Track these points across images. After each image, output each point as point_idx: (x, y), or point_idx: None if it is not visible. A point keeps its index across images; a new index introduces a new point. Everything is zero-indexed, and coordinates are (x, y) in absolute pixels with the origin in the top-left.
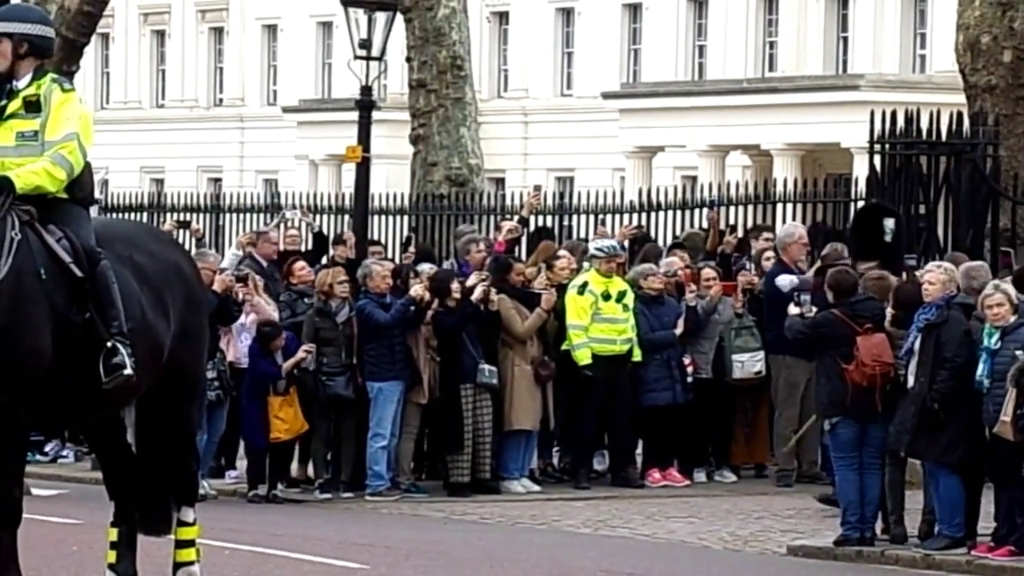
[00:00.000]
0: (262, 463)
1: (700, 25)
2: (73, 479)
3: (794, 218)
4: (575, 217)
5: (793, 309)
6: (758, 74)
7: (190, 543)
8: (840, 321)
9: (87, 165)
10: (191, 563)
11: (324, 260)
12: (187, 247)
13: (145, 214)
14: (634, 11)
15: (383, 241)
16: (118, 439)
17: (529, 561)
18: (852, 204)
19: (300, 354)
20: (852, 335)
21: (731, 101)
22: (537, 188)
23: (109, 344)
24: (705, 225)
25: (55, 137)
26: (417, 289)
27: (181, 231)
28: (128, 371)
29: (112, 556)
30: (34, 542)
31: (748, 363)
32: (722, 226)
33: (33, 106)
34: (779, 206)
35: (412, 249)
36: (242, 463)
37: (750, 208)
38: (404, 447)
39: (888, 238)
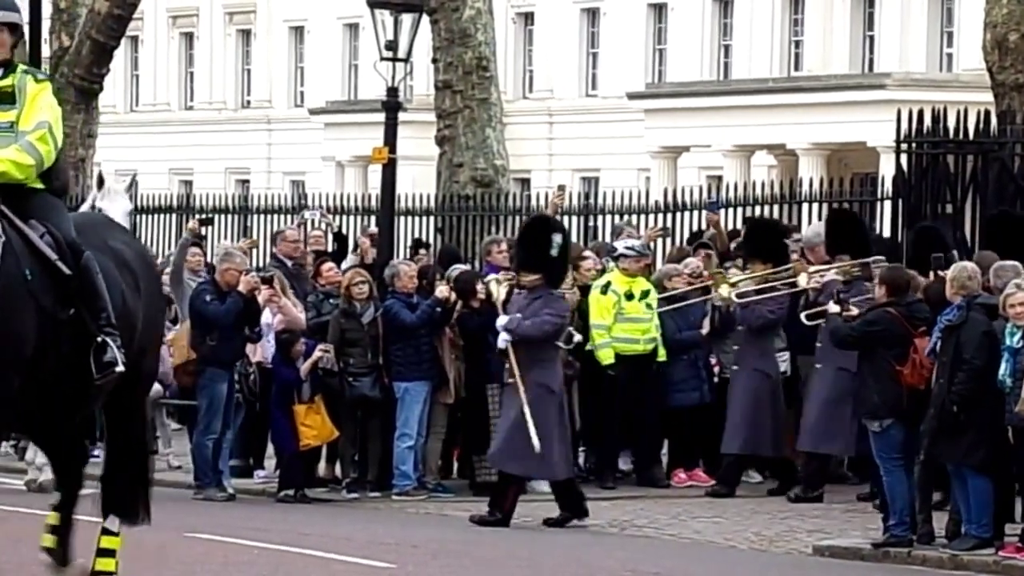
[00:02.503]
0: (294, 468)
1: (725, 25)
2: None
3: (820, 218)
4: (600, 217)
5: (833, 308)
6: (784, 73)
7: (111, 552)
8: (896, 321)
9: (60, 155)
10: (110, 574)
11: (350, 261)
12: (211, 245)
13: (174, 215)
14: (659, 11)
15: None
16: (71, 435)
17: (555, 561)
18: (879, 204)
19: (316, 353)
20: (907, 335)
21: (757, 101)
22: (561, 188)
23: (99, 339)
24: (704, 226)
25: (28, 127)
26: (442, 290)
27: (204, 228)
28: (120, 367)
29: (49, 540)
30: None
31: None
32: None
33: (8, 97)
34: (805, 206)
35: (422, 252)
36: (270, 463)
37: (775, 208)
38: (431, 447)
39: (554, 252)
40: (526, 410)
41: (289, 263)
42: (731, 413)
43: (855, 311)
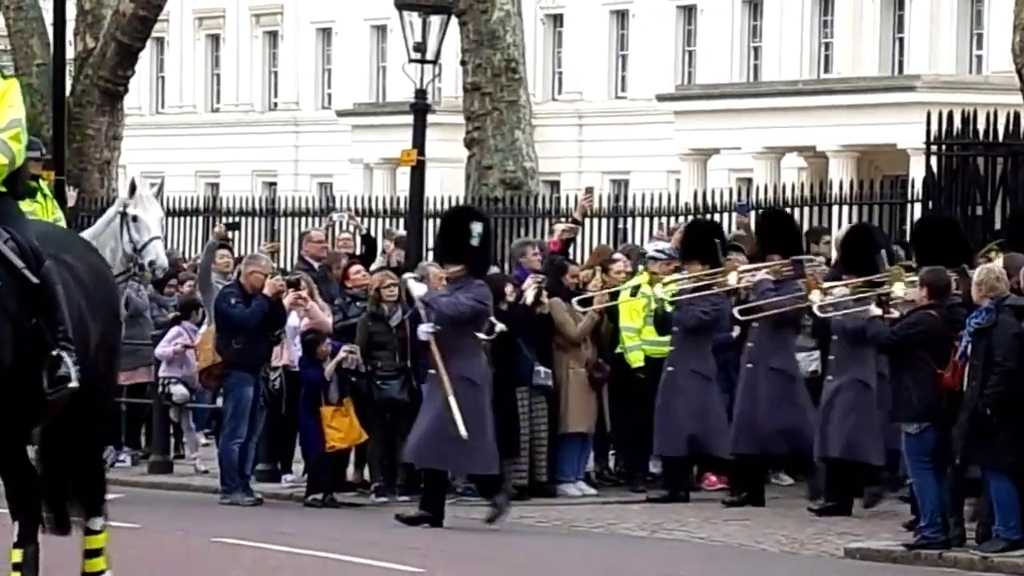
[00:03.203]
0: (322, 471)
1: (755, 27)
2: (130, 483)
3: (850, 220)
4: (630, 220)
5: (875, 311)
6: (813, 75)
7: (98, 552)
8: (937, 323)
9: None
10: (101, 572)
11: (379, 263)
12: (237, 249)
13: (200, 218)
14: (689, 13)
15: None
16: (21, 453)
17: (585, 565)
18: (909, 206)
19: (340, 354)
20: (948, 338)
21: (786, 103)
22: (589, 190)
23: (54, 353)
24: (735, 230)
25: (0, 125)
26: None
27: (232, 233)
28: (74, 383)
29: None
30: None
31: (804, 362)
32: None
33: None
34: (835, 208)
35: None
36: (298, 467)
37: (805, 210)
38: None
39: (475, 242)
40: (452, 401)
41: (316, 265)
42: (673, 415)
43: (896, 313)
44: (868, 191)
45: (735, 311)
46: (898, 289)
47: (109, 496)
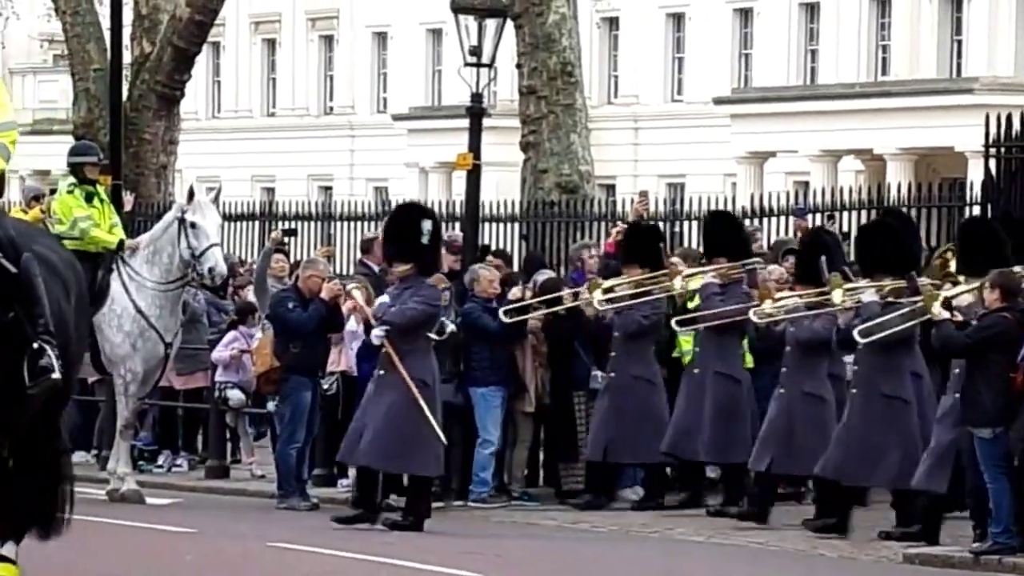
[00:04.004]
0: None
1: (812, 29)
2: (188, 488)
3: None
4: (686, 224)
5: (943, 314)
6: (871, 78)
7: None
8: (1012, 325)
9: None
10: None
11: None
12: (293, 254)
13: (257, 223)
14: (745, 16)
15: (493, 248)
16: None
17: (640, 569)
18: (967, 209)
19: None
20: (1021, 340)
21: (844, 106)
22: (644, 194)
23: (35, 345)
24: (792, 233)
25: None
26: (516, 292)
27: (288, 239)
28: (56, 375)
29: None
30: (150, 551)
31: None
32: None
33: None
34: None
35: (489, 259)
36: (354, 471)
37: (863, 213)
38: (518, 456)
39: (425, 240)
40: (422, 404)
41: (376, 269)
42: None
43: (960, 317)
44: (926, 194)
45: (673, 322)
46: (836, 297)
47: (167, 501)
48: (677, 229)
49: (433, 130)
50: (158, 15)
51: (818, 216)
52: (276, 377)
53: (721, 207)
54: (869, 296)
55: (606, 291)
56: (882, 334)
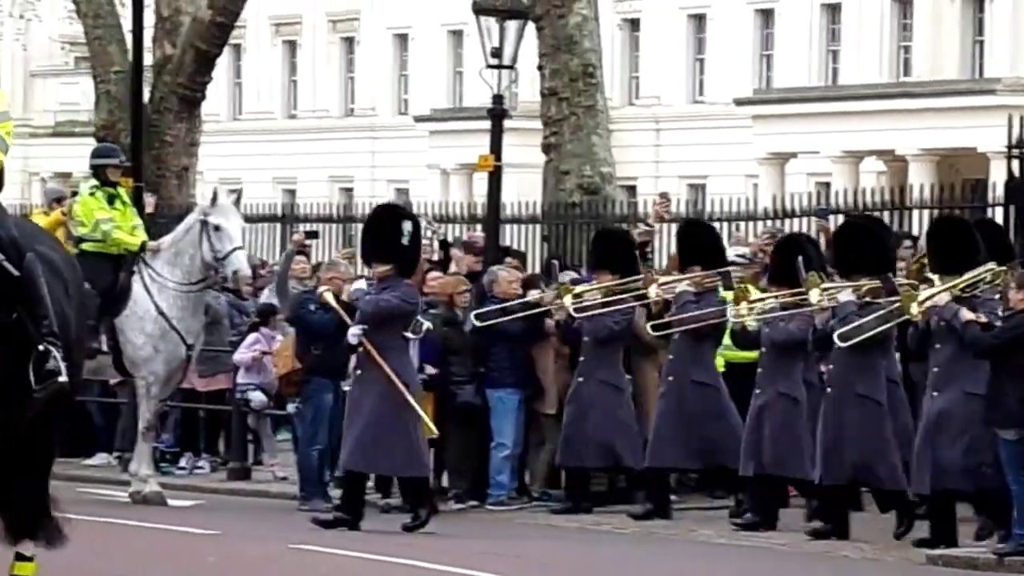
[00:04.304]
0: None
1: (834, 30)
2: (209, 490)
3: (931, 224)
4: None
5: (968, 315)
6: (893, 79)
7: None
8: None
9: None
10: None
11: (452, 269)
12: (315, 256)
13: (278, 225)
14: (767, 16)
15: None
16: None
17: (664, 572)
18: (990, 210)
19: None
20: None
21: (865, 106)
22: (664, 195)
23: (41, 347)
24: (814, 234)
25: None
26: (534, 293)
27: (310, 241)
28: (63, 378)
29: None
30: (172, 553)
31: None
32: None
33: None
34: (915, 213)
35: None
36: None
37: (885, 215)
38: (539, 457)
39: (405, 241)
40: (408, 397)
41: None
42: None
43: (984, 318)
44: (948, 195)
45: (648, 327)
46: (813, 296)
47: (189, 503)
48: None
49: (454, 132)
50: (179, 17)
51: (840, 217)
52: (298, 379)
53: (743, 208)
54: (846, 296)
55: (576, 296)
56: (860, 337)
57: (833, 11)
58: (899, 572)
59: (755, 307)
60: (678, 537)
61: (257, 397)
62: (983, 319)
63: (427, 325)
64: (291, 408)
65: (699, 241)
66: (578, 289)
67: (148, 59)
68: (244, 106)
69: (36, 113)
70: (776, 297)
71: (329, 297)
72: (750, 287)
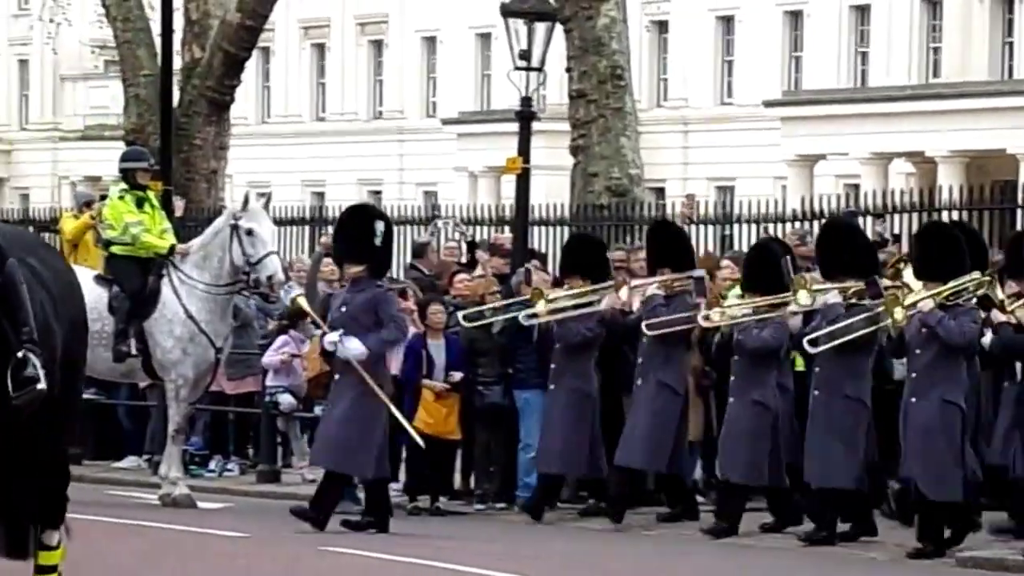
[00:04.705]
0: (419, 471)
1: (862, 32)
2: (239, 492)
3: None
4: (736, 226)
5: (1000, 316)
6: (922, 80)
7: (52, 569)
8: None
9: None
10: None
11: (478, 271)
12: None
13: (307, 227)
14: (795, 18)
15: (544, 252)
16: None
17: (688, 572)
18: (1019, 211)
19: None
20: None
21: (894, 108)
22: (690, 197)
23: (20, 354)
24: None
25: None
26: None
27: None
28: (42, 385)
29: None
30: (203, 555)
31: (902, 367)
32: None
33: None
34: (944, 214)
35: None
36: (402, 475)
37: (914, 216)
38: None
39: (378, 241)
40: (389, 405)
41: (427, 272)
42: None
43: (1013, 320)
44: (977, 197)
45: (643, 325)
46: (802, 298)
47: (219, 506)
48: (727, 232)
49: (482, 134)
50: (208, 20)
51: (868, 219)
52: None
53: (771, 210)
54: (833, 298)
55: (549, 301)
56: (834, 342)
57: (862, 13)
58: (929, 574)
59: (727, 313)
60: (707, 538)
61: (286, 400)
62: (1014, 320)
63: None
64: (319, 411)
65: (669, 243)
66: (551, 294)
67: (177, 63)
68: (272, 109)
69: (66, 117)
70: (749, 304)
71: (302, 301)
72: (722, 293)
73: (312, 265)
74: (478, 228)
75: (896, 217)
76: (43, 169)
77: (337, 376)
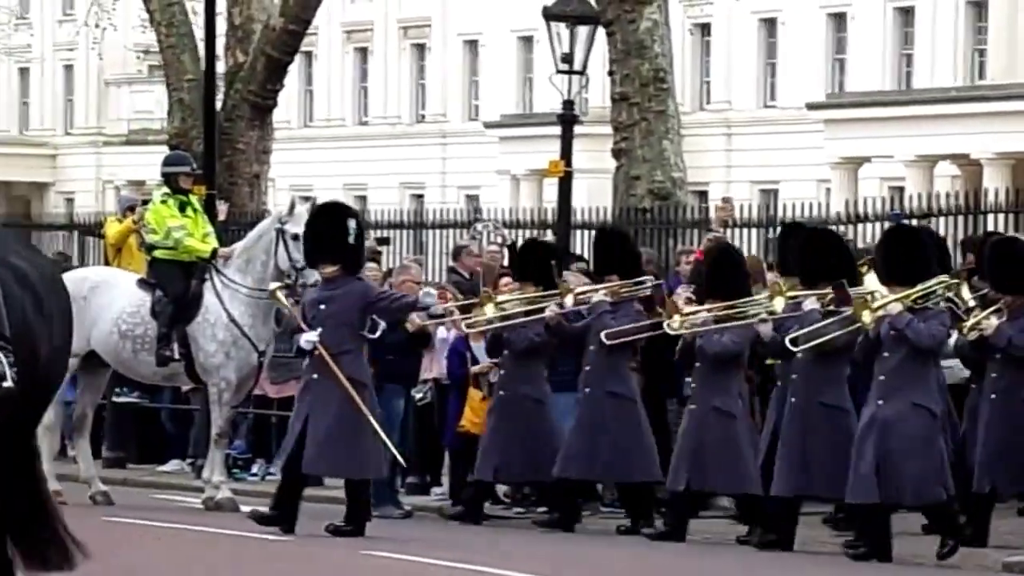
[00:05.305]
0: (463, 474)
1: (907, 33)
2: None
3: (1005, 230)
4: (779, 230)
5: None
6: (967, 82)
7: None
8: None
9: None
10: None
11: None
12: (385, 262)
13: None
14: (839, 20)
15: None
16: None
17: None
18: None
19: (485, 365)
20: None
21: (939, 110)
22: (726, 200)
23: None
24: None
25: None
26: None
27: (382, 248)
28: (8, 383)
29: None
30: (246, 558)
31: (957, 369)
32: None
33: None
34: (990, 217)
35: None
36: (448, 480)
37: (959, 219)
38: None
39: (351, 239)
40: (361, 406)
41: (467, 276)
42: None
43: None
44: (1023, 199)
45: (602, 335)
46: (778, 305)
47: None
48: (771, 235)
49: (525, 137)
50: (251, 25)
51: (913, 222)
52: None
53: (815, 214)
54: (809, 304)
55: (498, 305)
56: (814, 342)
57: (906, 14)
58: None
59: (688, 319)
60: (742, 544)
61: None
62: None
63: (383, 325)
64: None
65: (615, 250)
66: (501, 298)
67: (220, 67)
68: (315, 113)
69: (110, 122)
70: (709, 310)
71: (281, 296)
72: (681, 301)
73: None
74: (520, 232)
75: (941, 220)
76: (87, 173)
77: (315, 376)
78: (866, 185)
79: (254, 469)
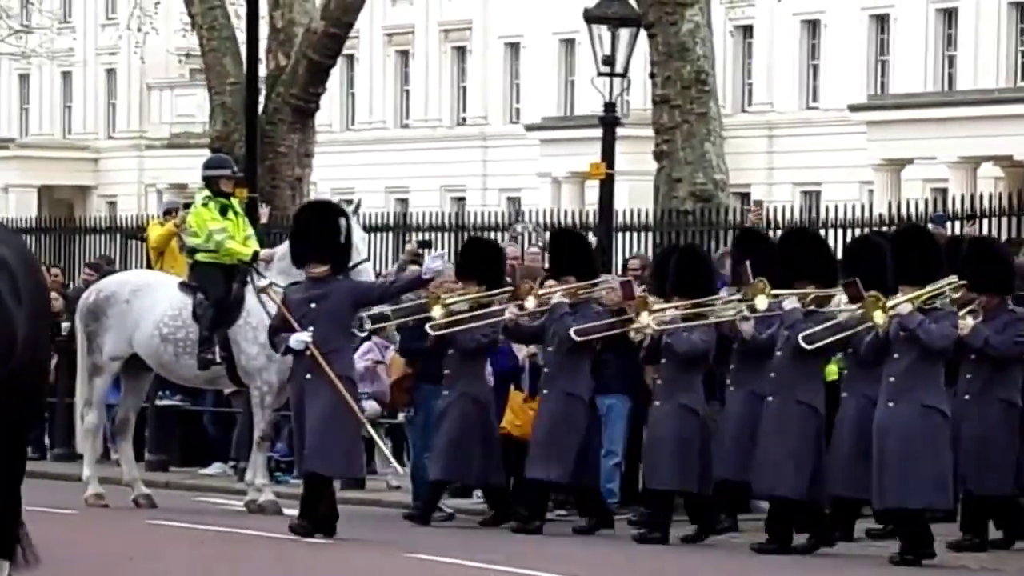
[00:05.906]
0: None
1: (949, 35)
2: None
3: None
4: (822, 232)
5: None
6: (1010, 83)
7: None
8: None
9: None
10: None
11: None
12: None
13: (391, 234)
14: (881, 22)
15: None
16: None
17: None
18: None
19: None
20: None
21: (982, 111)
22: (758, 203)
23: None
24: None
25: None
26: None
27: (423, 251)
28: None
29: None
30: (287, 559)
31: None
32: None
33: None
34: None
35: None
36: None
37: (1003, 221)
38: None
39: (342, 239)
40: (352, 405)
41: (507, 277)
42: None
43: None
44: None
45: (572, 332)
46: (760, 303)
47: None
48: None
49: (566, 140)
50: (293, 28)
51: (957, 223)
52: (408, 385)
53: (858, 215)
54: (790, 304)
55: (446, 306)
56: (832, 338)
57: (949, 16)
58: None
59: (656, 317)
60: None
61: (370, 406)
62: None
63: (369, 324)
64: (402, 417)
65: (572, 251)
66: (448, 300)
67: (262, 70)
68: (357, 116)
69: (152, 125)
70: (676, 307)
71: (273, 294)
72: (649, 298)
73: (397, 271)
74: None
75: (985, 222)
76: (130, 177)
77: (308, 377)
78: (909, 187)
79: (296, 472)
